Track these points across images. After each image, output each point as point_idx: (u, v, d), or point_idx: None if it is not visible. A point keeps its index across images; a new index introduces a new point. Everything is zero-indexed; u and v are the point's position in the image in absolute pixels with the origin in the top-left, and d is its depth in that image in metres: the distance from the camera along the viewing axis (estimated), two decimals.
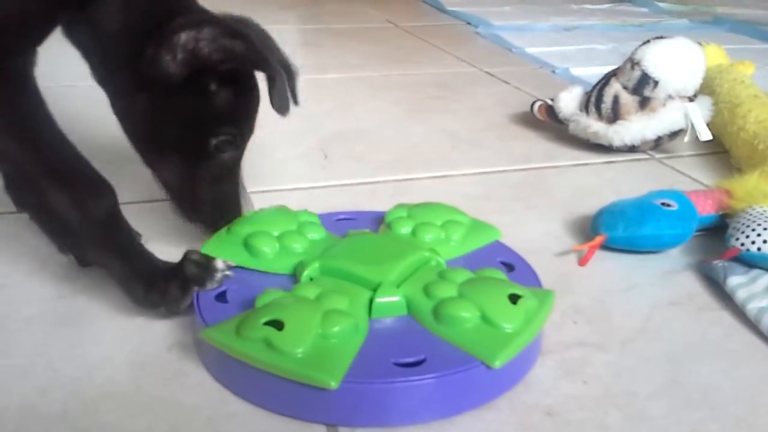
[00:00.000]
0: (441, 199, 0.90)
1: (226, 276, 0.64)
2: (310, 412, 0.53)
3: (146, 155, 0.70)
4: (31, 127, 0.59)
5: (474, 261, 0.67)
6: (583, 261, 0.76)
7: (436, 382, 0.53)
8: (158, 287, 0.62)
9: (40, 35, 0.62)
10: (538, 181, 0.99)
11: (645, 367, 0.60)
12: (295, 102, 0.70)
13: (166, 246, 0.76)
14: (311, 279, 0.63)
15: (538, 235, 0.81)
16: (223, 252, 0.66)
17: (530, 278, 0.66)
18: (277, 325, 0.54)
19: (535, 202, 0.92)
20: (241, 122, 0.69)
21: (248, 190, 0.88)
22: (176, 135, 0.67)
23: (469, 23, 2.07)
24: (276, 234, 0.68)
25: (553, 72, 1.57)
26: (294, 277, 0.64)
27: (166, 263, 0.65)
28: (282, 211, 0.72)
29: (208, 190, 0.70)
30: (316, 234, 0.69)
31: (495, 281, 0.62)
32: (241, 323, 0.55)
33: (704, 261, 0.76)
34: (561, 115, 1.11)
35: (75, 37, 0.67)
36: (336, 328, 0.54)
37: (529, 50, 1.74)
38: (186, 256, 0.64)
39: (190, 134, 0.67)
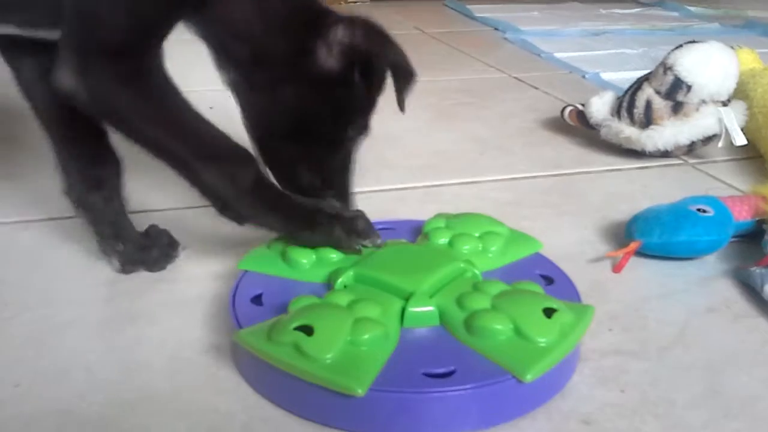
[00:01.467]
0: (471, 205, 0.90)
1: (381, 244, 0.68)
2: (338, 419, 0.53)
3: (275, 145, 0.71)
4: (175, 115, 0.63)
5: (512, 273, 0.66)
6: (617, 268, 0.75)
7: (466, 395, 0.52)
8: (323, 229, 0.67)
9: (166, 31, 0.64)
10: (570, 186, 0.98)
11: (682, 375, 0.60)
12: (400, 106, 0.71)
13: (203, 254, 0.77)
14: (345, 287, 0.63)
15: (571, 241, 0.80)
16: (261, 265, 0.66)
17: (569, 292, 0.64)
18: (307, 330, 0.54)
19: (566, 208, 0.91)
20: (370, 112, 0.73)
21: None
22: (319, 125, 0.70)
23: (496, 29, 2.07)
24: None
25: (583, 77, 1.56)
26: (329, 285, 0.64)
27: (327, 206, 0.69)
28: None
29: (332, 177, 0.73)
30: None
31: (530, 294, 0.60)
32: (273, 327, 0.55)
33: (741, 267, 0.75)
34: (592, 120, 1.10)
35: (206, 37, 0.69)
36: (366, 336, 0.54)
37: (558, 55, 1.73)
38: (358, 212, 0.69)
39: (333, 124, 0.70)
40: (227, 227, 0.78)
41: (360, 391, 0.50)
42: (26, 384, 0.57)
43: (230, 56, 0.69)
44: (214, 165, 0.64)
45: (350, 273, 0.63)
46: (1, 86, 0.78)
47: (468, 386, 0.52)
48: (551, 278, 0.67)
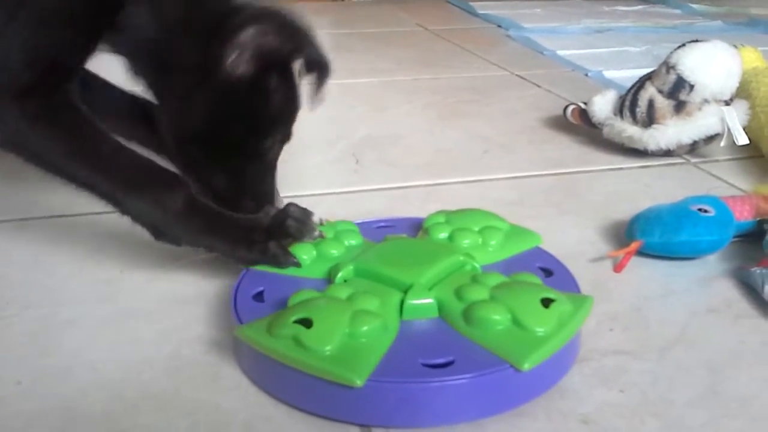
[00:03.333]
0: (474, 203, 0.90)
1: (320, 235, 0.68)
2: (339, 411, 0.53)
3: (189, 158, 0.70)
4: (90, 149, 0.62)
5: (511, 266, 0.67)
6: (618, 267, 0.75)
7: (464, 384, 0.53)
8: (258, 247, 0.65)
9: (75, 66, 0.64)
10: (572, 185, 0.99)
11: (683, 375, 0.60)
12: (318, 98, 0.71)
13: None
14: (345, 281, 0.63)
15: (572, 240, 0.80)
16: (261, 264, 0.67)
17: (568, 284, 0.65)
18: (307, 323, 0.55)
19: (568, 207, 0.91)
20: (290, 121, 0.71)
21: (282, 195, 0.89)
22: (233, 135, 0.67)
23: (499, 26, 2.07)
24: (313, 242, 0.68)
25: (586, 75, 1.56)
26: (330, 279, 0.65)
27: (260, 220, 0.68)
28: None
29: (252, 185, 0.72)
30: (353, 240, 0.70)
31: (528, 285, 0.61)
32: (273, 321, 0.56)
33: (742, 268, 0.75)
34: (595, 119, 1.10)
35: (117, 47, 0.68)
36: (365, 328, 0.55)
37: (561, 53, 1.73)
38: (286, 211, 0.67)
39: (249, 134, 0.67)
40: None
41: (359, 382, 0.50)
42: (28, 382, 0.57)
43: (139, 65, 0.68)
44: (138, 194, 0.64)
45: (350, 267, 0.64)
46: None
47: (467, 375, 0.52)
48: (550, 270, 0.67)
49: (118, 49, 0.68)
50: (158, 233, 0.66)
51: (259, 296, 0.63)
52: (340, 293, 0.60)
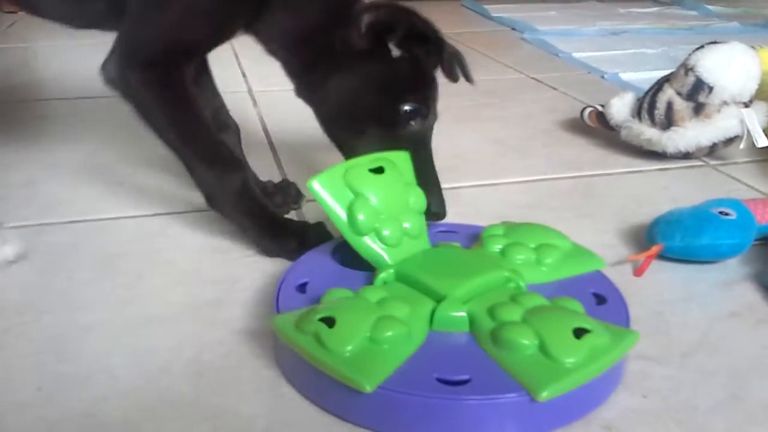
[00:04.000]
0: (490, 208, 0.90)
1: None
2: (351, 414, 0.54)
3: (345, 138, 0.78)
4: (183, 122, 0.75)
5: (562, 289, 0.64)
6: (639, 271, 0.74)
7: (475, 405, 0.51)
8: (280, 241, 0.76)
9: (201, 54, 0.80)
10: (590, 188, 0.98)
11: (705, 381, 0.59)
12: (469, 78, 0.80)
13: (222, 257, 0.78)
14: (385, 283, 0.63)
15: (591, 244, 0.79)
16: (331, 187, 0.66)
17: (619, 315, 0.61)
18: (330, 322, 0.55)
19: (587, 210, 0.91)
20: (425, 95, 0.77)
21: (307, 199, 0.89)
22: (369, 106, 0.75)
23: (514, 29, 2.06)
24: (382, 216, 0.66)
25: (602, 77, 1.55)
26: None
27: (293, 221, 0.80)
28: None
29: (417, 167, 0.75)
30: (416, 238, 0.68)
31: (565, 312, 0.58)
32: (302, 316, 0.57)
33: (764, 271, 0.74)
34: (612, 122, 1.10)
35: (257, 37, 0.79)
36: (388, 334, 0.54)
37: (576, 55, 1.72)
38: (313, 226, 0.78)
39: (382, 102, 0.75)
40: (243, 233, 0.80)
41: (368, 388, 0.50)
42: (48, 388, 0.57)
43: (286, 67, 0.79)
44: (207, 166, 0.75)
45: (391, 270, 0.64)
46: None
47: (477, 397, 0.51)
48: (604, 298, 0.64)
49: (270, 52, 0.80)
50: (210, 201, 0.77)
51: (302, 287, 0.64)
52: (372, 296, 0.59)
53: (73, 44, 1.71)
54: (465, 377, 0.53)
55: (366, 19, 0.72)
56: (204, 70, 0.88)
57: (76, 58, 1.58)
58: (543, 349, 0.54)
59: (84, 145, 1.08)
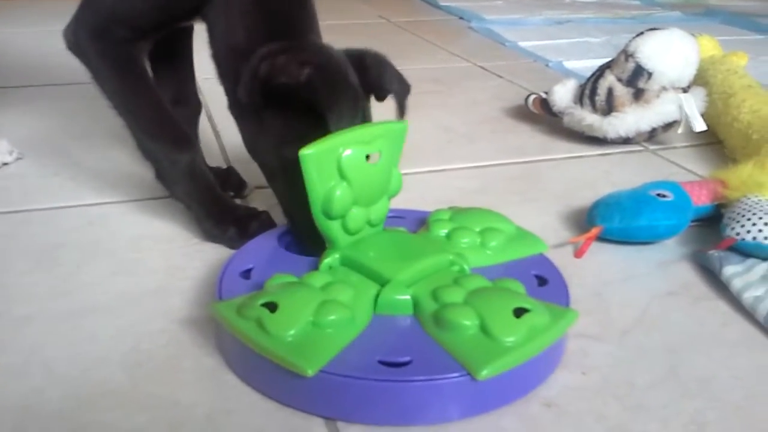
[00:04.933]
0: (437, 193, 0.91)
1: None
2: (297, 400, 0.53)
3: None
4: (133, 93, 0.76)
5: (506, 271, 0.65)
6: (579, 253, 0.76)
7: (415, 386, 0.52)
8: (222, 227, 0.75)
9: (157, 31, 0.77)
10: (534, 174, 0.99)
11: (643, 357, 0.60)
12: (402, 116, 0.72)
13: (162, 246, 0.76)
14: (330, 267, 0.63)
15: (534, 227, 0.80)
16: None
17: (559, 295, 0.62)
18: (272, 307, 0.54)
19: (531, 195, 0.92)
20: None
21: (252, 186, 0.89)
22: (261, 150, 0.72)
23: (461, 18, 2.07)
24: (355, 207, 0.63)
25: (547, 65, 1.57)
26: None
27: (239, 207, 0.79)
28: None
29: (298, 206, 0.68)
30: (375, 226, 0.67)
31: (506, 292, 0.59)
32: (244, 302, 0.56)
33: (700, 251, 0.76)
34: (555, 108, 1.11)
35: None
36: (331, 317, 0.54)
37: (522, 44, 1.74)
38: (257, 214, 0.77)
39: (270, 148, 0.70)
40: (187, 221, 0.79)
41: (309, 372, 0.50)
42: None
43: (212, 50, 0.74)
44: (155, 139, 0.75)
45: (336, 255, 0.63)
46: None
47: (418, 378, 0.51)
48: (545, 279, 0.65)
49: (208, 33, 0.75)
50: (158, 175, 0.78)
51: (247, 274, 0.63)
52: (316, 281, 0.59)
53: (28, 32, 1.66)
54: (407, 359, 0.53)
55: (245, 76, 0.66)
56: (183, 40, 0.86)
57: (21, 45, 1.53)
58: (483, 329, 0.54)
59: (19, 134, 1.04)
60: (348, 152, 0.62)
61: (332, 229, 0.64)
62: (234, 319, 0.55)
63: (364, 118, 0.70)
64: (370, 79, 0.70)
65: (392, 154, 0.66)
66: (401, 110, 0.72)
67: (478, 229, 0.69)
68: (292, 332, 0.53)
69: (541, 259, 0.69)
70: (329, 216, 0.63)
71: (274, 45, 0.67)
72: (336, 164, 0.61)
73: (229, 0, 0.71)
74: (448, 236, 0.69)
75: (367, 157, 0.63)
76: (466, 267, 0.64)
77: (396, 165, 0.67)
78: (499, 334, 0.53)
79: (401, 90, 0.72)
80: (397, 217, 0.75)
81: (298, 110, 0.66)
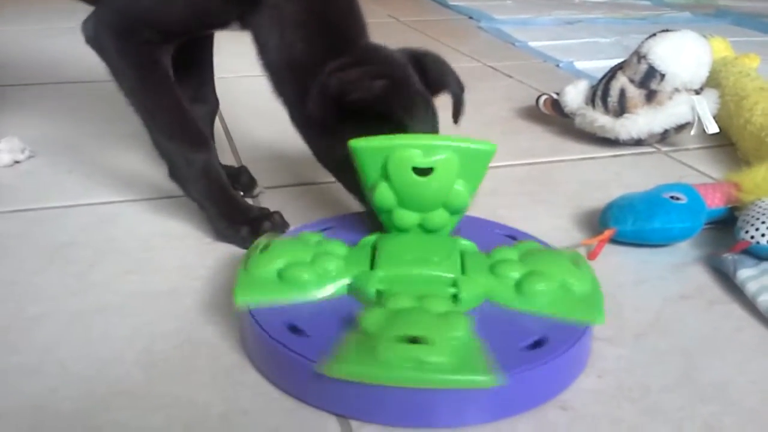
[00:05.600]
0: None
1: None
2: (313, 397, 0.54)
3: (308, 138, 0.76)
4: (152, 94, 0.75)
5: (481, 237, 0.68)
6: (592, 255, 0.75)
7: (564, 358, 0.54)
8: (234, 227, 0.75)
9: (187, 36, 0.77)
10: (545, 175, 0.99)
11: (658, 361, 0.60)
12: (456, 120, 0.77)
13: (174, 246, 0.77)
14: (378, 291, 0.59)
15: (546, 229, 0.80)
16: (261, 293, 0.59)
17: (543, 244, 0.69)
18: (420, 340, 0.51)
19: (542, 196, 0.92)
20: None
21: (263, 186, 0.89)
22: (330, 154, 0.73)
23: (471, 17, 2.07)
24: (308, 260, 0.62)
25: (557, 66, 1.57)
26: (346, 297, 0.60)
27: (252, 208, 0.79)
28: (291, 240, 0.66)
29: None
30: (339, 250, 0.64)
31: (549, 251, 0.65)
32: (375, 348, 0.51)
33: (714, 254, 0.75)
34: (567, 109, 1.11)
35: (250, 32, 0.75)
36: (460, 333, 0.52)
37: (532, 44, 1.73)
38: (269, 214, 0.77)
39: (343, 157, 0.68)
40: (200, 221, 0.79)
41: (494, 380, 0.50)
42: None
43: (262, 60, 0.75)
44: (172, 139, 0.75)
45: (379, 274, 0.60)
46: None
47: (565, 348, 0.54)
48: (514, 237, 0.71)
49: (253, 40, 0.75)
50: (172, 173, 0.77)
51: (295, 330, 0.56)
52: (405, 303, 0.56)
53: (35, 29, 1.67)
54: (537, 337, 0.55)
55: (329, 94, 0.67)
56: (204, 41, 0.86)
57: (33, 42, 1.54)
58: (564, 286, 0.60)
59: (32, 132, 1.05)
60: (396, 158, 0.63)
61: (381, 217, 0.67)
62: (376, 369, 0.50)
63: (435, 123, 0.73)
64: (430, 80, 0.73)
65: (461, 171, 0.64)
66: (458, 110, 0.76)
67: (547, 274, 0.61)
68: (258, 270, 0.59)
69: (495, 223, 0.75)
70: (374, 207, 0.66)
71: (342, 59, 0.68)
72: (382, 163, 0.64)
73: (281, 11, 0.71)
74: (498, 262, 0.62)
75: (422, 169, 0.64)
76: (473, 244, 0.66)
77: (473, 183, 0.66)
78: (579, 286, 0.60)
79: (459, 90, 0.76)
80: (510, 236, 0.73)
81: (373, 121, 0.66)
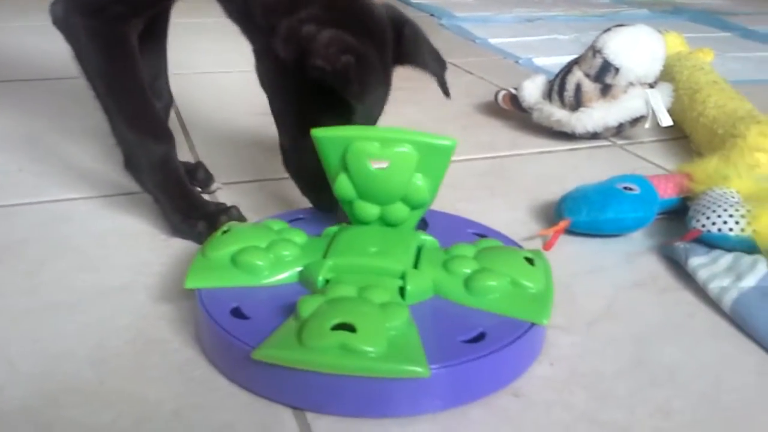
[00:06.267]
0: None
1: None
2: (266, 389, 0.53)
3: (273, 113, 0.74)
4: (118, 77, 0.73)
5: (446, 234, 0.68)
6: (547, 246, 0.76)
7: (503, 353, 0.54)
8: (191, 222, 0.74)
9: (145, 12, 0.74)
10: (504, 169, 0.99)
11: (610, 347, 0.61)
12: (447, 94, 0.76)
13: (127, 243, 0.76)
14: (327, 281, 0.59)
15: (504, 221, 0.81)
16: (211, 278, 0.60)
17: (510, 243, 0.69)
18: (348, 328, 0.51)
19: (500, 189, 0.92)
20: (342, 118, 0.68)
21: (220, 182, 0.88)
22: (283, 107, 0.71)
23: (432, 15, 2.07)
24: (263, 246, 0.63)
25: (517, 62, 1.58)
26: (297, 285, 0.61)
27: (209, 203, 0.77)
28: (252, 225, 0.68)
29: (305, 168, 0.72)
30: (298, 238, 0.65)
31: (505, 249, 0.65)
32: (301, 334, 0.51)
33: (666, 243, 0.77)
34: (525, 104, 1.12)
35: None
36: (397, 322, 0.53)
37: (493, 41, 1.75)
38: (226, 209, 0.76)
39: (293, 112, 0.70)
40: (154, 217, 0.78)
41: (424, 371, 0.49)
42: None
43: (231, 16, 0.72)
44: (132, 129, 0.73)
45: (329, 263, 0.60)
46: None
47: (503, 343, 0.54)
48: (484, 235, 0.70)
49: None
50: (128, 164, 0.75)
51: (237, 313, 0.57)
52: (347, 291, 0.56)
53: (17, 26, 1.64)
54: (479, 331, 0.55)
55: (301, 38, 0.64)
56: (159, 33, 0.84)
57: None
58: (515, 283, 0.59)
59: None
60: (353, 149, 0.63)
61: (344, 208, 0.67)
62: (302, 354, 0.51)
63: (378, 113, 0.73)
64: (403, 50, 0.72)
65: (421, 166, 0.64)
66: (443, 89, 0.75)
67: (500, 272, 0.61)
68: (214, 253, 0.60)
69: (465, 220, 0.74)
70: (337, 197, 0.66)
71: (321, 11, 0.65)
72: (342, 154, 0.64)
73: None
74: (452, 258, 0.62)
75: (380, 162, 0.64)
76: (434, 240, 0.66)
77: (434, 179, 0.65)
78: (530, 284, 0.60)
79: (438, 68, 0.75)
80: (481, 234, 0.72)
81: (323, 87, 0.64)
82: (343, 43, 0.64)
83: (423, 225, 0.70)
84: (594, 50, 1.07)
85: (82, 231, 0.77)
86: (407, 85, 1.37)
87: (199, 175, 0.87)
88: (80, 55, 0.73)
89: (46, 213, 0.81)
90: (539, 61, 1.56)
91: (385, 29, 0.70)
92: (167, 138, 0.75)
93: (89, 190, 0.86)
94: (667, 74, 1.13)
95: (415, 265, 0.61)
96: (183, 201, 0.76)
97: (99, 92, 0.73)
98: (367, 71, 0.66)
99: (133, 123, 0.73)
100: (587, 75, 1.06)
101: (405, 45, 0.72)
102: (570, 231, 0.78)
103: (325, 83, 0.64)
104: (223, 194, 0.87)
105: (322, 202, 0.73)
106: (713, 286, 0.68)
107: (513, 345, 0.54)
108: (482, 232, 0.72)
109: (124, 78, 0.73)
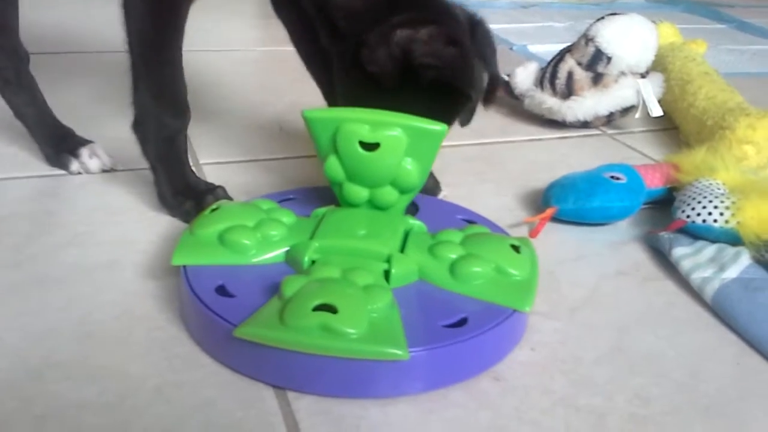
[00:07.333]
0: None
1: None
2: (248, 367, 0.54)
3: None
4: (162, 47, 0.73)
5: (436, 221, 0.68)
6: (534, 232, 0.77)
7: (483, 338, 0.54)
8: (180, 199, 0.75)
9: None
10: (493, 155, 1.00)
11: (591, 334, 0.62)
12: (486, 104, 0.75)
13: (115, 219, 0.76)
14: (313, 262, 0.60)
15: (491, 208, 0.81)
16: (200, 256, 0.61)
17: (499, 230, 0.70)
18: (331, 309, 0.52)
19: (489, 176, 0.93)
20: (441, 119, 0.66)
21: (202, 161, 0.88)
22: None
23: None
24: (251, 225, 0.63)
25: (511, 49, 1.58)
26: (283, 264, 0.61)
27: (201, 182, 0.77)
28: (242, 204, 0.68)
29: None
30: (286, 218, 0.65)
31: (492, 236, 0.65)
32: (285, 313, 0.52)
33: (651, 232, 0.77)
34: (517, 91, 1.12)
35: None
36: (379, 304, 0.53)
37: None
38: (213, 188, 0.76)
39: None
40: (142, 194, 0.78)
41: (404, 354, 0.50)
42: None
43: (319, 24, 0.71)
44: (155, 98, 0.73)
45: (315, 244, 0.61)
46: None
47: (484, 329, 0.54)
48: (473, 221, 0.71)
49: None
50: (137, 127, 0.75)
51: (222, 291, 0.57)
52: (331, 273, 0.57)
53: None
54: (461, 317, 0.55)
55: (396, 44, 0.63)
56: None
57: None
58: (500, 270, 0.60)
59: None
60: (343, 131, 0.63)
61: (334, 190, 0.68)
62: (283, 333, 0.51)
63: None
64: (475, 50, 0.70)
65: (411, 150, 0.64)
66: (486, 97, 0.74)
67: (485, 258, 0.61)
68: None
69: (455, 206, 0.75)
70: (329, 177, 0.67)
71: (408, 14, 0.64)
72: (332, 136, 0.64)
73: None
74: (439, 243, 0.63)
75: (369, 144, 0.63)
76: (423, 225, 0.66)
77: (423, 163, 0.65)
78: (515, 271, 0.60)
79: (498, 75, 0.74)
80: (470, 221, 0.73)
81: (432, 86, 0.63)
82: (444, 36, 0.63)
83: (414, 209, 0.70)
84: (587, 38, 1.07)
85: (69, 207, 0.77)
86: None
87: None
88: (128, 11, 0.71)
89: (32, 188, 0.81)
90: (533, 48, 1.56)
91: (466, 28, 0.70)
92: (184, 115, 0.75)
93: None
94: (659, 64, 1.14)
95: (402, 249, 0.62)
96: (178, 177, 0.76)
97: (134, 52, 0.72)
98: (471, 59, 0.66)
99: (158, 94, 0.73)
100: (579, 63, 1.06)
101: (476, 45, 0.71)
102: (556, 219, 0.79)
103: (438, 82, 0.63)
104: (213, 173, 0.87)
105: None
106: (696, 277, 0.69)
107: (494, 330, 0.55)
108: (471, 219, 0.72)
109: (164, 48, 0.73)
